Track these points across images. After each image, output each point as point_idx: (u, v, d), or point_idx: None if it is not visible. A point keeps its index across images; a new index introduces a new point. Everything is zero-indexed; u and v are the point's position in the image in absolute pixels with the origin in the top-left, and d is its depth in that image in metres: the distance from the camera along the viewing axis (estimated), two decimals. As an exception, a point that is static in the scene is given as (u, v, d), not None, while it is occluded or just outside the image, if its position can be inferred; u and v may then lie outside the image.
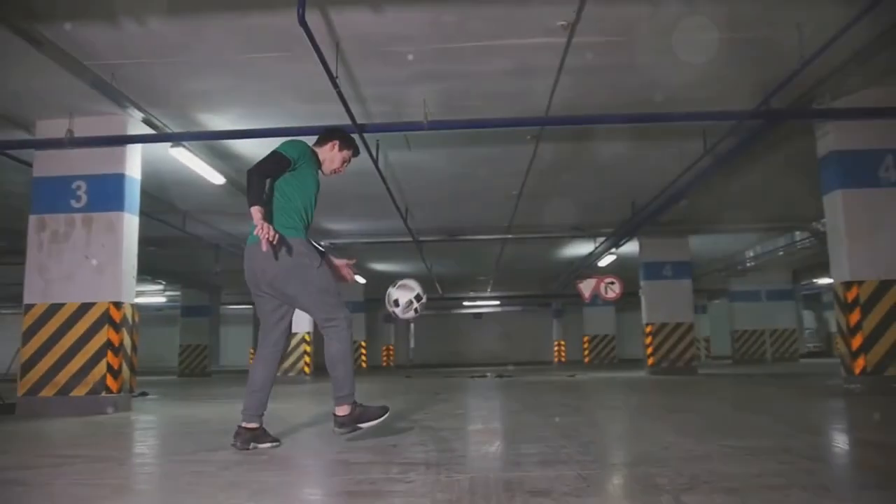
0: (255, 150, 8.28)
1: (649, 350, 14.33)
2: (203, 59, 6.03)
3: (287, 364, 14.07)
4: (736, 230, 14.29)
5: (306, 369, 14.09)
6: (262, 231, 3.38)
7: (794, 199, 11.67)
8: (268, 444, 3.76)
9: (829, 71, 6.16)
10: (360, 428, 3.74)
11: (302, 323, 14.20)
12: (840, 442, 3.89)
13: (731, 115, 6.91)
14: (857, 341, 6.75)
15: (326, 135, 4.16)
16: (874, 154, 6.95)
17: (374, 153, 7.71)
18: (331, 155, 4.09)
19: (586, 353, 22.01)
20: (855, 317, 6.79)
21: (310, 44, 5.22)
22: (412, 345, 31.23)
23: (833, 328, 26.82)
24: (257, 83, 6.56)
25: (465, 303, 25.37)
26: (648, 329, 14.41)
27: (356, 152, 4.21)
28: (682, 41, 5.81)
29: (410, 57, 5.97)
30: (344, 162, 4.14)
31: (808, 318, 27.58)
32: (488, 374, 15.87)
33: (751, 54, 6.11)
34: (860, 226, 6.89)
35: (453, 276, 19.37)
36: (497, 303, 25.58)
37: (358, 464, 3.20)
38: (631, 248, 14.67)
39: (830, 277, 20.47)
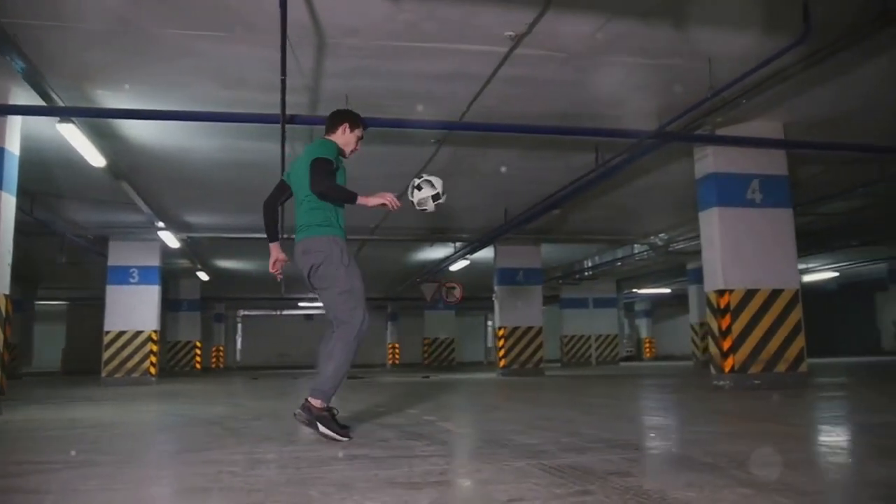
0: (146, 131, 7.75)
1: (501, 352, 14.95)
2: (123, 29, 5.54)
3: (131, 364, 13.09)
4: (586, 241, 15.32)
5: (152, 370, 13.18)
6: (390, 199, 3.77)
7: (642, 215, 12.79)
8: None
9: (722, 103, 6.86)
10: (317, 428, 3.71)
11: (149, 320, 13.30)
12: (795, 425, 4.39)
13: (637, 133, 7.49)
14: (727, 343, 7.55)
15: (334, 121, 4.17)
16: (744, 178, 7.83)
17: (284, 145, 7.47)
18: (345, 139, 4.13)
19: (426, 355, 22.44)
20: (726, 321, 7.59)
21: (254, 26, 5.07)
22: (239, 346, 30.10)
23: (643, 334, 29.43)
24: (174, 62, 6.12)
25: (301, 304, 24.91)
26: (501, 332, 15.04)
27: (366, 127, 4.21)
28: (609, 62, 6.26)
29: (353, 51, 5.92)
30: (358, 140, 4.15)
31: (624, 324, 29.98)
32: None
33: (662, 79, 6.67)
34: (731, 240, 7.71)
35: (299, 276, 19.02)
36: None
37: (387, 458, 3.18)
38: (484, 254, 15.23)
39: (652, 288, 22.22)
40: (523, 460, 2.98)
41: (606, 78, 6.62)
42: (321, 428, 3.72)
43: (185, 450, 3.60)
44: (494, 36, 5.71)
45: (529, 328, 14.94)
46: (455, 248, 15.29)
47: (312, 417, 3.72)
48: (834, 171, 9.55)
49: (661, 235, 14.52)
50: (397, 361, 25.99)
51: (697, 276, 15.81)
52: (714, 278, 7.78)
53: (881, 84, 6.95)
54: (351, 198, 3.74)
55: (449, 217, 12.40)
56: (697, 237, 13.34)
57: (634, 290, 23.26)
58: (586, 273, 18.54)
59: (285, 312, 28.48)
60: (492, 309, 30.60)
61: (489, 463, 2.93)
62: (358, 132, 4.15)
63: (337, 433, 3.77)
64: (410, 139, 8.16)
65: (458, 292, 19.02)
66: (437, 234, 13.85)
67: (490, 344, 32.41)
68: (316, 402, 3.74)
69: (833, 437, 3.68)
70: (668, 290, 24.13)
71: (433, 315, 22.19)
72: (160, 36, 5.64)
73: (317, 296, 4.09)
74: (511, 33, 5.66)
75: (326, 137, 4.12)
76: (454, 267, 16.78)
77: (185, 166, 8.98)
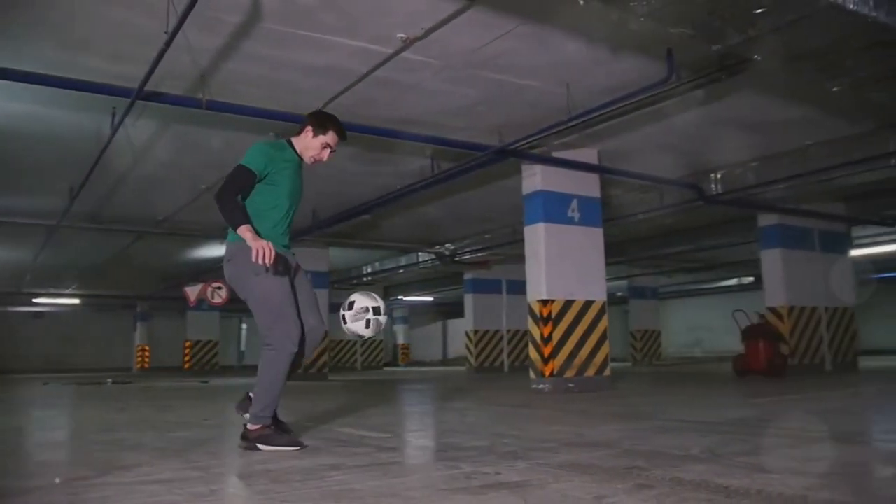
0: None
1: (286, 356, 14.53)
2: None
3: None
4: (380, 247, 15.44)
5: None
6: (261, 253, 3.31)
7: (442, 226, 13.28)
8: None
9: (565, 127, 7.40)
10: (259, 449, 3.52)
11: None
12: (692, 420, 4.87)
13: (482, 147, 7.83)
14: (548, 349, 8.15)
15: (303, 121, 3.87)
16: (566, 197, 8.52)
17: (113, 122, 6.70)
18: (306, 143, 3.81)
19: (187, 358, 21.03)
20: (547, 329, 8.18)
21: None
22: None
23: (398, 340, 30.30)
24: (6, 11, 5.21)
25: (37, 300, 22.06)
26: (286, 335, 14.63)
27: (341, 135, 3.85)
28: (479, 76, 6.49)
29: (232, 29, 5.50)
30: (324, 147, 3.79)
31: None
32: (108, 380, 14.43)
33: (518, 98, 7.03)
34: (554, 254, 8.33)
35: (51, 268, 16.86)
36: (77, 301, 22.73)
37: (379, 466, 3.05)
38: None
39: (418, 296, 22.80)
40: (520, 462, 3.03)
41: (469, 90, 6.85)
42: (264, 447, 3.52)
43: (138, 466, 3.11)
44: (387, 36, 5.66)
45: (315, 332, 14.68)
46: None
47: (252, 442, 3.55)
48: (624, 196, 10.73)
49: (448, 245, 15.14)
50: (147, 365, 23.99)
51: (475, 286, 16.73)
52: (538, 289, 8.33)
53: (684, 129, 8.02)
54: (234, 223, 3.44)
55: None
56: (483, 249, 14.26)
57: (400, 297, 23.89)
58: (365, 279, 18.68)
59: (8, 310, 24.92)
60: (246, 311, 29.71)
61: (491, 466, 2.94)
62: (323, 138, 3.78)
63: (284, 445, 3.55)
64: (248, 128, 7.67)
65: (224, 293, 18.23)
66: (224, 232, 13.06)
67: (244, 347, 31.31)
68: (252, 426, 3.57)
69: (735, 428, 4.18)
70: (430, 298, 25.14)
71: (196, 316, 20.85)
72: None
73: None
74: (403, 35, 5.65)
75: (291, 138, 3.86)
76: (235, 267, 16.00)
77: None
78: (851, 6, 4.28)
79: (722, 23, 4.41)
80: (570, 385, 8.14)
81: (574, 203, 8.58)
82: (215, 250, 15.40)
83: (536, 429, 4.40)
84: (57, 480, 2.81)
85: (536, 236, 8.42)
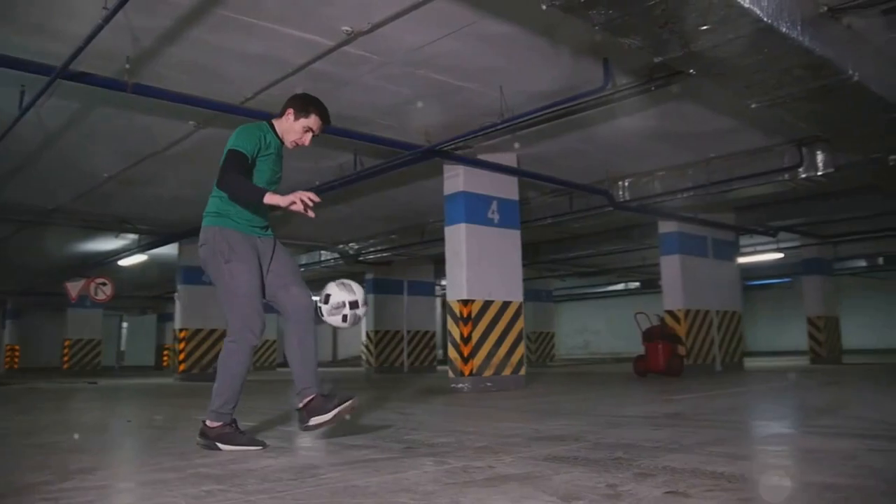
0: None
1: (182, 356, 13.99)
2: None
3: None
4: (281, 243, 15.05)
5: None
6: (300, 199, 3.30)
7: (351, 224, 13.15)
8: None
9: (494, 130, 7.50)
10: (218, 448, 3.42)
11: None
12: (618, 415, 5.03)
13: (410, 146, 7.83)
14: (467, 349, 8.24)
15: (285, 103, 3.72)
16: (487, 199, 8.65)
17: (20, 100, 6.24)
18: (286, 126, 3.67)
19: (66, 358, 19.73)
20: (467, 329, 8.27)
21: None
22: None
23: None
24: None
25: None
26: (183, 334, 14.08)
27: (324, 119, 3.71)
28: (416, 75, 6.49)
29: (171, 10, 5.24)
30: (306, 131, 3.65)
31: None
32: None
33: (450, 98, 7.07)
34: (474, 254, 8.44)
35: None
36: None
37: (363, 462, 3.00)
38: (166, 250, 14.20)
39: (314, 297, 22.76)
40: (503, 456, 3.06)
41: (405, 89, 6.83)
42: (225, 447, 3.42)
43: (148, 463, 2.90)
44: (331, 28, 5.56)
45: (213, 331, 14.22)
46: (137, 240, 13.89)
47: (209, 440, 3.44)
48: (536, 200, 11.00)
49: (353, 245, 15.02)
50: (16, 366, 22.33)
51: (376, 286, 16.62)
52: (458, 289, 8.40)
53: (605, 137, 8.33)
54: (256, 197, 3.31)
55: (151, 205, 11.31)
56: (389, 249, 14.24)
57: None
58: (263, 277, 18.19)
59: None
60: (127, 310, 28.31)
61: (479, 461, 2.96)
62: (305, 122, 3.63)
63: (246, 444, 3.44)
64: (168, 114, 7.32)
65: (108, 289, 17.37)
66: (125, 224, 12.44)
67: (124, 347, 29.79)
68: (211, 424, 3.46)
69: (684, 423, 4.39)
70: (326, 298, 24.77)
71: (78, 313, 19.60)
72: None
73: None
74: (348, 28, 5.57)
75: (273, 120, 3.70)
76: (127, 262, 15.25)
77: None
78: (784, 30, 4.60)
79: (670, 36, 4.63)
80: (489, 384, 8.26)
81: (494, 205, 8.73)
82: (106, 244, 14.59)
83: (488, 425, 4.45)
84: (76, 436, 2.63)
85: (457, 237, 8.49)
